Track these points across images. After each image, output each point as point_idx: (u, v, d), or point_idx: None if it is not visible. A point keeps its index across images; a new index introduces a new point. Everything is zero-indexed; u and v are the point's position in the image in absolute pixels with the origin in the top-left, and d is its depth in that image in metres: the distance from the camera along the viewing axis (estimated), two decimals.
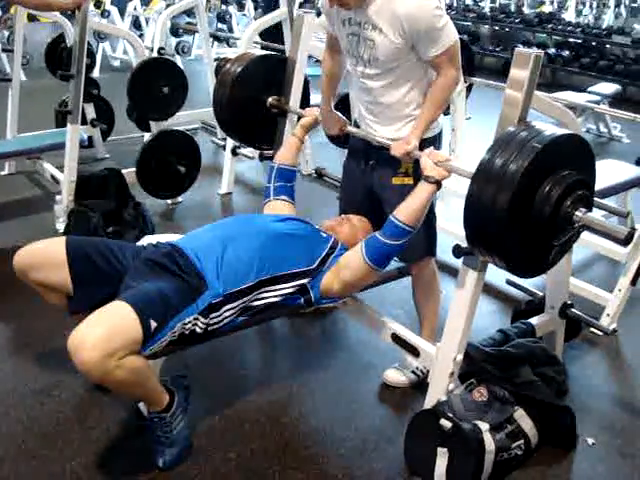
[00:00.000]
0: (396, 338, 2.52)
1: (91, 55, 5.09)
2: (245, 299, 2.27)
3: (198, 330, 2.16)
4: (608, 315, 3.18)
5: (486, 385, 2.34)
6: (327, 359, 2.91)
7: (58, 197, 3.98)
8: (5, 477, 2.18)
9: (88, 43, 4.02)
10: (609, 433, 2.53)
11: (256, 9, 10.56)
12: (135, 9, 9.75)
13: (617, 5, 10.98)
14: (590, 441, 2.46)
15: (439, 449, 2.14)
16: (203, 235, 2.42)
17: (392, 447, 2.37)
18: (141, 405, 2.34)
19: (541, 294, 2.87)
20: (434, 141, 2.51)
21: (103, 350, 1.87)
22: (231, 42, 8.52)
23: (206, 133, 6.09)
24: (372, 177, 2.61)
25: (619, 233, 1.85)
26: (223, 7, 10.04)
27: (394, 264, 2.65)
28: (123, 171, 4.02)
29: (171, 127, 4.43)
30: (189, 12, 7.83)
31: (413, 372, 2.72)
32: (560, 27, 9.65)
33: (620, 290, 3.20)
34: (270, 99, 2.98)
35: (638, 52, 8.80)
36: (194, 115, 5.76)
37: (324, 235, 2.53)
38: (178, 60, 8.53)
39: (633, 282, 3.20)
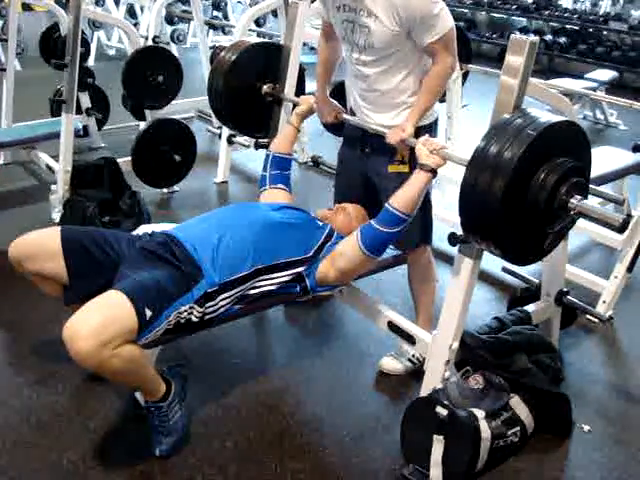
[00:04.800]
0: (392, 326, 2.52)
1: (86, 44, 5.07)
2: (241, 288, 2.26)
3: (194, 319, 2.16)
4: (604, 302, 3.19)
5: (482, 372, 2.34)
6: (323, 347, 2.92)
7: (54, 187, 3.97)
8: (3, 467, 2.18)
9: (82, 32, 4.00)
10: (605, 420, 2.54)
11: None
12: None
13: None
14: (586, 428, 2.47)
15: (435, 436, 2.14)
16: (199, 224, 2.41)
17: (388, 435, 2.38)
18: (138, 394, 2.34)
19: (537, 281, 2.88)
20: (430, 129, 2.50)
21: (98, 339, 1.87)
22: (226, 30, 8.48)
23: (202, 121, 6.06)
24: (368, 165, 2.60)
25: (615, 220, 1.84)
26: None
27: (390, 252, 2.64)
28: (119, 160, 4.00)
29: (166, 116, 4.42)
30: (184, 0, 7.79)
31: (409, 360, 2.72)
32: (557, 13, 9.60)
33: (616, 277, 3.20)
34: (265, 87, 2.97)
35: (635, 38, 8.76)
36: (189, 104, 5.74)
37: (320, 224, 2.53)
38: (173, 48, 8.48)
39: (629, 269, 3.21)
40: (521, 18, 10.24)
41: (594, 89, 6.14)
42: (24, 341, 2.85)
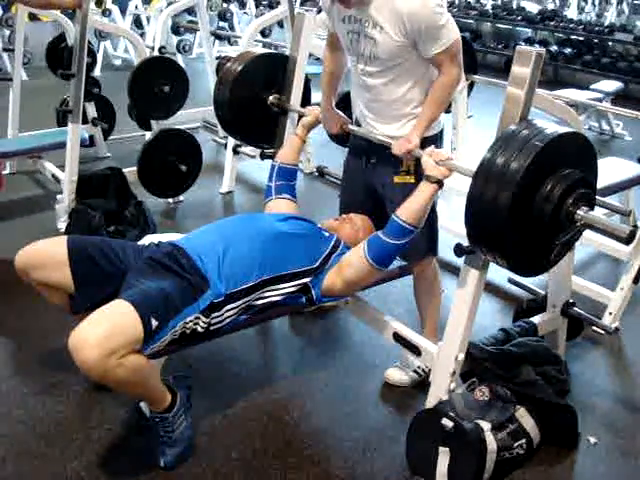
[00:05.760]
0: (398, 337, 2.52)
1: (92, 54, 5.08)
2: (247, 299, 2.26)
3: (199, 329, 2.16)
4: (610, 314, 3.17)
5: (488, 384, 2.33)
6: (328, 358, 2.91)
7: (59, 196, 3.98)
8: (7, 477, 2.18)
9: (89, 42, 4.02)
10: (611, 432, 2.53)
11: (257, 7, 10.55)
12: (136, 8, 9.76)
13: (619, 2, 10.94)
14: (592, 440, 2.46)
15: (441, 448, 2.14)
16: (205, 235, 2.41)
17: (394, 446, 2.37)
18: (143, 405, 2.34)
19: (543, 293, 2.87)
20: (435, 140, 2.50)
21: (104, 349, 1.87)
22: (232, 40, 8.52)
23: (207, 132, 6.08)
24: (373, 176, 2.60)
25: (621, 232, 1.84)
26: (224, 5, 10.01)
27: (396, 263, 2.63)
28: (124, 170, 4.02)
29: (172, 126, 4.43)
30: (190, 10, 7.83)
31: (415, 371, 2.71)
32: (562, 24, 9.62)
33: (622, 288, 3.18)
34: (271, 98, 2.98)
35: None
36: (195, 114, 5.74)
37: (326, 234, 2.53)
38: (179, 59, 8.53)
39: (635, 280, 3.19)
40: (526, 29, 10.27)
41: (600, 100, 6.15)
42: (29, 350, 2.85)
